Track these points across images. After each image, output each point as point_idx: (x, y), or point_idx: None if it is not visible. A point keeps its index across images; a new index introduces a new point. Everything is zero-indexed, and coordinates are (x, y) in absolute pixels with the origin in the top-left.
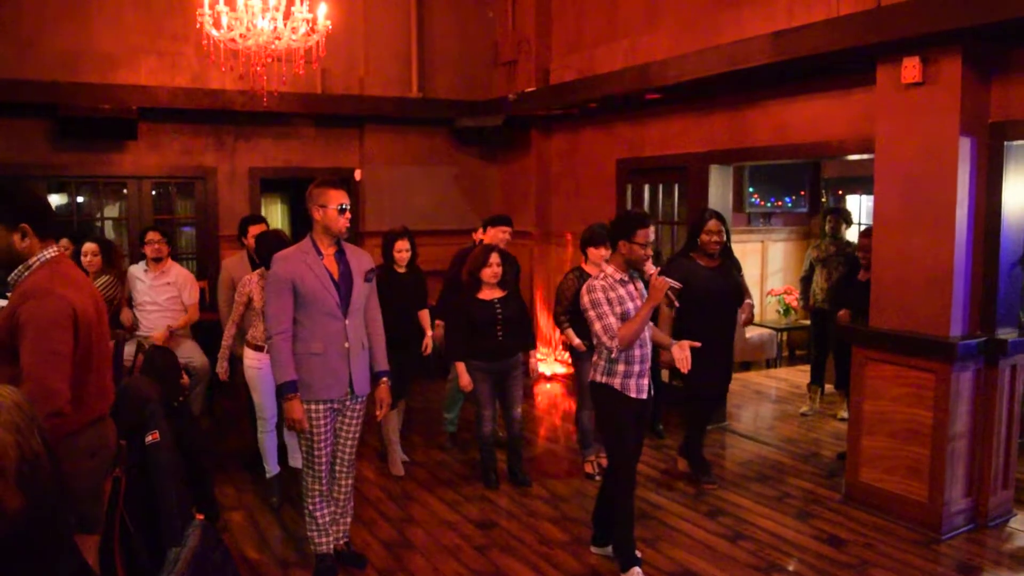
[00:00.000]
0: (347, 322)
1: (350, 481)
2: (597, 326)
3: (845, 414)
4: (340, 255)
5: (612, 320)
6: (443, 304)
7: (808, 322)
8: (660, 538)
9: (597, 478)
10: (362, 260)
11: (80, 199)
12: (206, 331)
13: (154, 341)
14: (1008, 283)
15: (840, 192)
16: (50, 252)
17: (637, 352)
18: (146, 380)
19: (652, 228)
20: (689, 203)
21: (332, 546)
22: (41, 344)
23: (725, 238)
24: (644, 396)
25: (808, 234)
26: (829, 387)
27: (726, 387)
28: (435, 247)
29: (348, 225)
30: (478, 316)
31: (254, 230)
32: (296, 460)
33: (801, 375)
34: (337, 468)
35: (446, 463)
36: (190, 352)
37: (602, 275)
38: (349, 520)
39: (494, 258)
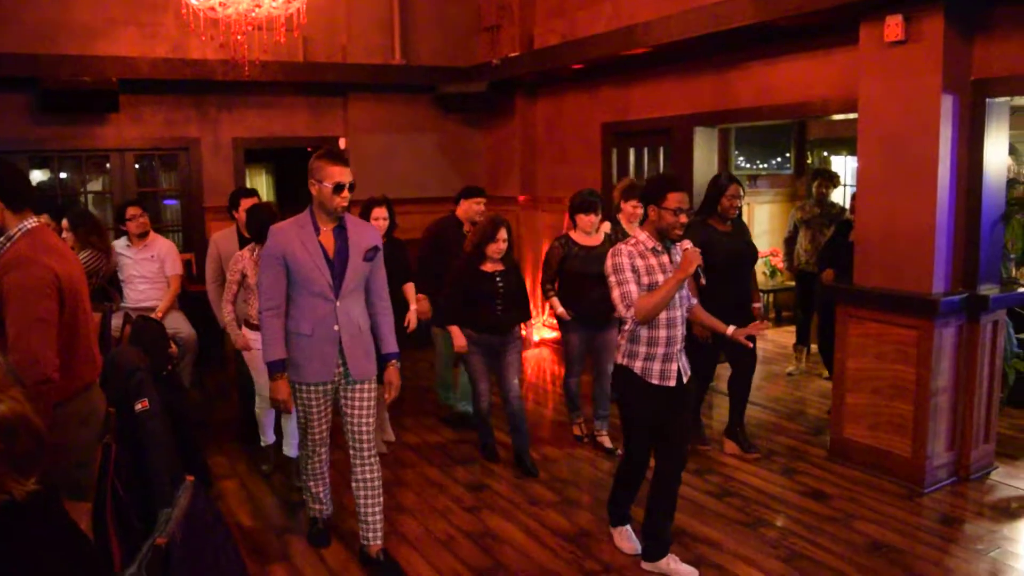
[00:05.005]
0: (339, 304)
1: (371, 472)
2: (615, 293)
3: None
4: (340, 230)
5: (633, 288)
6: (421, 277)
7: (793, 283)
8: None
9: (585, 440)
10: (364, 236)
11: (63, 174)
12: (193, 302)
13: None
14: (989, 240)
15: (825, 153)
16: (29, 223)
17: (663, 333)
18: (134, 350)
19: (685, 194)
20: (674, 166)
21: (327, 513)
22: (25, 312)
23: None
24: (671, 383)
25: (794, 196)
26: (815, 347)
27: (753, 352)
28: (421, 215)
29: (346, 204)
30: (478, 288)
31: (246, 203)
32: (290, 448)
33: (787, 336)
34: (352, 456)
35: (436, 428)
36: (177, 323)
37: (633, 240)
38: (379, 519)
39: (502, 234)
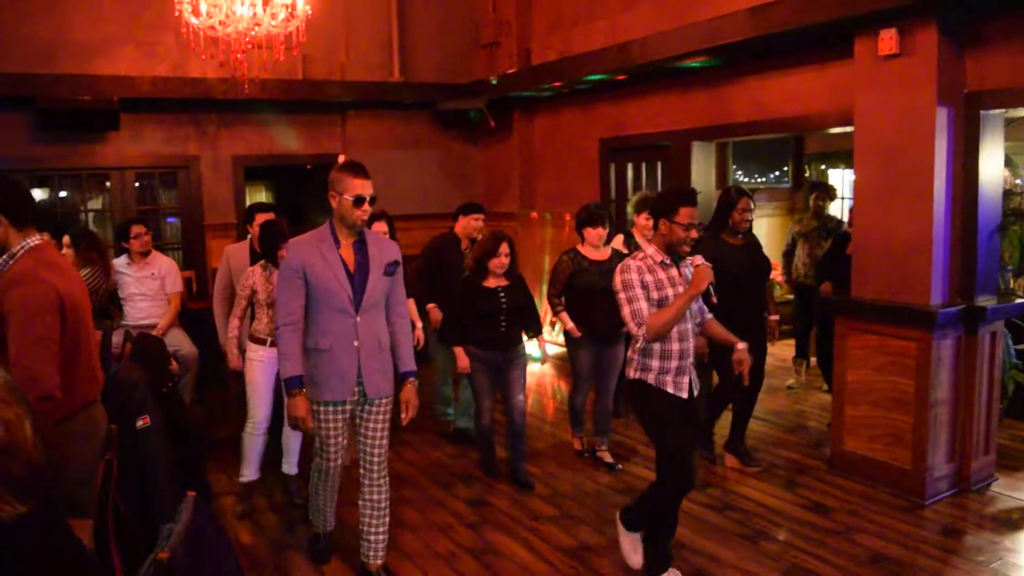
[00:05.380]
0: (359, 319)
1: (380, 493)
2: (626, 311)
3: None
4: (360, 244)
5: (643, 305)
6: (423, 289)
7: (792, 296)
8: None
9: (586, 455)
10: (384, 251)
11: (63, 193)
12: (194, 320)
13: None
14: (986, 251)
15: (823, 167)
16: (33, 240)
17: (675, 346)
18: (135, 366)
19: (697, 209)
20: (672, 181)
21: (330, 529)
22: (27, 330)
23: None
24: (684, 395)
25: (792, 209)
26: (815, 360)
27: (762, 367)
28: (421, 231)
29: (366, 218)
30: (481, 305)
31: (261, 218)
32: (290, 466)
33: (787, 349)
34: (362, 476)
35: (437, 444)
36: (179, 340)
37: (641, 255)
38: (384, 538)
39: (504, 248)
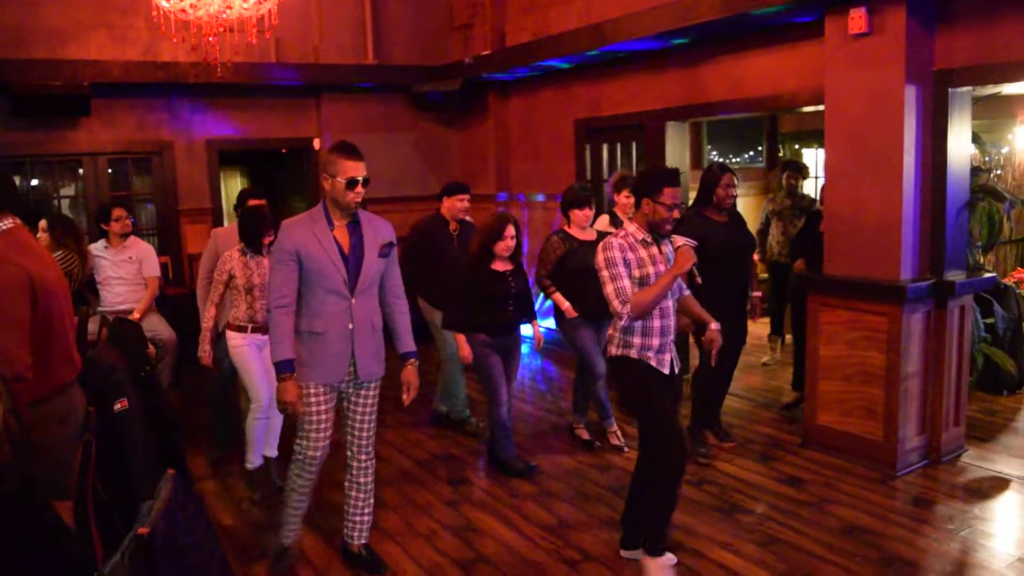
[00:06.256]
0: (354, 301)
1: (367, 476)
2: (609, 288)
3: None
4: (354, 225)
5: (626, 283)
6: (411, 275)
7: (767, 275)
8: (625, 486)
9: (564, 433)
10: (379, 231)
11: (35, 180)
12: (172, 305)
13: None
14: (955, 227)
15: (797, 146)
16: (5, 224)
17: (656, 323)
18: (112, 350)
19: (680, 189)
20: (648, 161)
21: (293, 540)
22: None
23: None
24: (665, 371)
25: (767, 189)
26: (789, 337)
27: (741, 344)
28: (398, 214)
29: (359, 200)
30: (490, 289)
31: (253, 204)
32: (271, 448)
33: (762, 327)
34: (349, 458)
35: (416, 425)
36: (156, 325)
37: (623, 233)
38: (368, 519)
39: (509, 231)
